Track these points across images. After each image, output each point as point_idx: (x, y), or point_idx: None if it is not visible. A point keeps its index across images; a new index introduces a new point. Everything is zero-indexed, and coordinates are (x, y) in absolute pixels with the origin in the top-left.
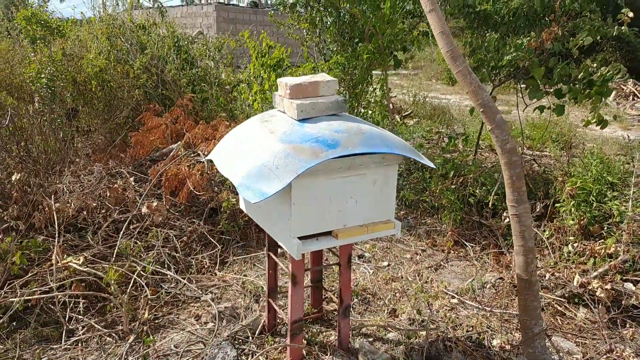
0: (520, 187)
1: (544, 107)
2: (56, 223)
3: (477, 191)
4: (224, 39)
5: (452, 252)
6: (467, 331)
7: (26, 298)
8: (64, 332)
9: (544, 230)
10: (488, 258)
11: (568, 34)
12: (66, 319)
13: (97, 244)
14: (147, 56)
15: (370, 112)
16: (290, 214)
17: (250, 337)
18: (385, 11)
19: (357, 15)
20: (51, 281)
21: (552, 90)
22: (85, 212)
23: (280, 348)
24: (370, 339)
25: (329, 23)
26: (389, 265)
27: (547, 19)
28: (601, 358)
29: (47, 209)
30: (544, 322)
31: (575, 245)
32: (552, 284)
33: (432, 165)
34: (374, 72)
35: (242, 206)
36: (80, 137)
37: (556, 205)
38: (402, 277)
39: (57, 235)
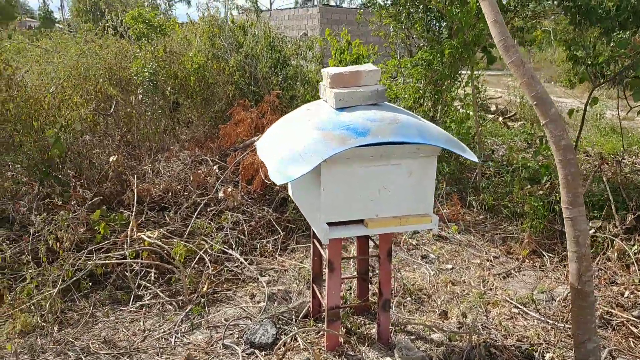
0: (576, 188)
1: None
2: (135, 201)
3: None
4: (315, 38)
5: (527, 261)
6: (518, 341)
7: (104, 262)
8: (132, 297)
9: (633, 245)
10: (565, 270)
11: None
12: (136, 286)
13: (175, 222)
14: (241, 55)
15: (453, 109)
16: (320, 200)
17: (294, 320)
18: (471, 5)
19: (442, 10)
20: (126, 250)
21: None
22: (170, 194)
23: (318, 333)
24: (413, 337)
25: (415, 19)
26: (453, 268)
27: None
28: None
29: (134, 188)
30: (599, 339)
31: None
32: (630, 303)
33: (475, 159)
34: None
35: (290, 192)
36: (181, 128)
37: None
38: (464, 282)
39: (134, 211)
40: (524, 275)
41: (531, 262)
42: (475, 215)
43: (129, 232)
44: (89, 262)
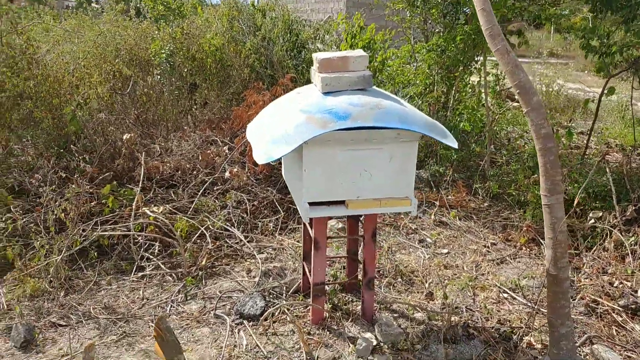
0: (554, 176)
1: None
2: (143, 177)
3: (569, 188)
4: (333, 22)
5: (524, 248)
6: (499, 323)
7: (108, 233)
8: (135, 267)
9: (632, 236)
10: None
11: None
12: (139, 258)
13: (182, 199)
14: (258, 37)
15: (466, 96)
16: (302, 180)
17: (284, 294)
18: None
19: None
20: (131, 223)
21: None
22: (179, 172)
23: (305, 307)
24: (396, 315)
25: (432, 3)
26: (448, 253)
27: None
28: None
29: (143, 165)
30: (573, 324)
31: None
32: (617, 293)
33: (455, 145)
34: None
35: (283, 174)
36: (200, 109)
37: None
38: (457, 266)
39: (140, 186)
40: (519, 262)
41: (528, 249)
42: (480, 202)
43: (134, 206)
44: (94, 233)
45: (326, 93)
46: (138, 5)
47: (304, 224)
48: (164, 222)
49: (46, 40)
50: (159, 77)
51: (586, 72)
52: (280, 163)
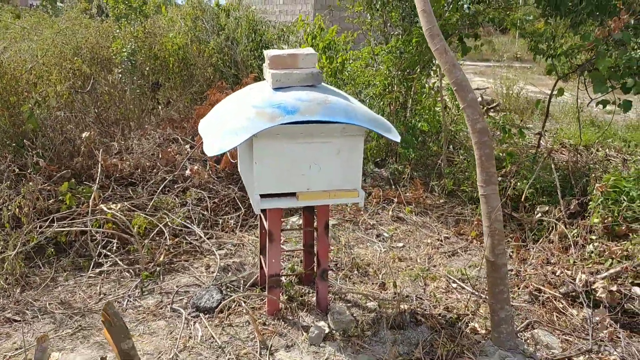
0: (489, 168)
1: (607, 102)
2: (100, 173)
3: (519, 184)
4: (296, 24)
5: (475, 241)
6: (447, 311)
7: (63, 230)
8: (92, 264)
9: (575, 228)
10: (510, 250)
11: None
12: (97, 254)
13: (141, 197)
14: (222, 37)
15: (424, 97)
16: (253, 173)
17: (241, 288)
18: None
19: None
20: (89, 220)
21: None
22: (139, 170)
23: (262, 299)
24: (350, 305)
25: (391, 7)
26: (403, 246)
27: (616, 4)
28: (579, 357)
29: (102, 163)
30: (512, 309)
31: (596, 245)
32: (559, 282)
33: (397, 139)
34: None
35: (239, 167)
36: (163, 108)
37: (590, 205)
38: (410, 259)
39: (97, 182)
40: (470, 254)
41: (479, 243)
42: (435, 199)
43: (91, 203)
44: (50, 230)
45: (276, 89)
46: (100, 4)
47: (260, 219)
48: (122, 219)
49: (3, 37)
50: (120, 75)
51: (547, 76)
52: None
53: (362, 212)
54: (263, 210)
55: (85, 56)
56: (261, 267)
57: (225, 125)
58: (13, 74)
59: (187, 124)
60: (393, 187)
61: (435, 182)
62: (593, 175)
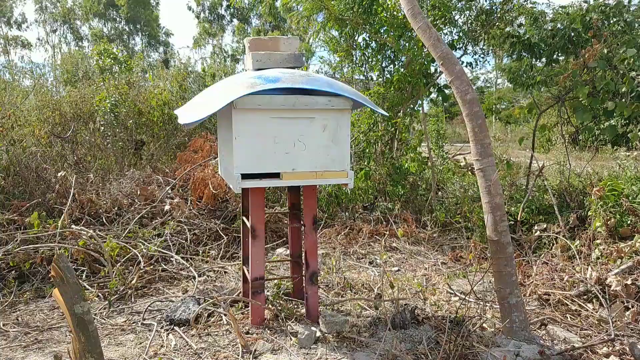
0: (483, 140)
1: (593, 129)
2: (70, 199)
3: (512, 209)
4: None
5: (473, 264)
6: (450, 314)
7: (32, 253)
8: None
9: (577, 240)
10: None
11: (614, 51)
12: None
13: (117, 229)
14: None
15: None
16: (233, 150)
17: (223, 303)
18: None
19: (390, 43)
20: (57, 244)
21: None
22: (116, 208)
23: (245, 306)
24: (343, 314)
25: (372, 60)
26: (398, 270)
27: (587, 37)
28: (600, 346)
29: (76, 196)
30: (521, 295)
31: (602, 248)
32: (568, 285)
33: (384, 113)
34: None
35: (219, 171)
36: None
37: (589, 214)
38: (407, 280)
39: (68, 205)
40: (470, 276)
41: (479, 266)
42: (430, 233)
43: (59, 224)
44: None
45: (258, 70)
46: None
47: (243, 222)
48: (94, 241)
49: None
50: (102, 128)
51: (527, 149)
52: (228, 197)
53: (352, 243)
54: (244, 213)
55: (67, 113)
56: (244, 281)
57: (203, 98)
58: None
59: (168, 169)
60: (384, 223)
61: (427, 216)
62: (589, 182)
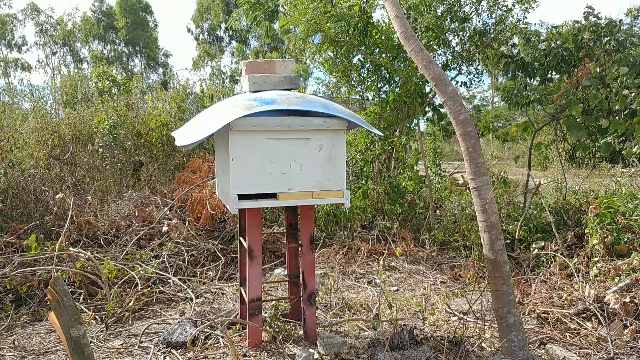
0: (477, 159)
1: (589, 146)
2: (68, 222)
3: (510, 227)
4: None
5: (472, 283)
6: (449, 334)
7: (29, 276)
8: None
9: (575, 257)
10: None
11: (607, 70)
12: None
13: (114, 251)
14: None
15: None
16: (229, 171)
17: (220, 325)
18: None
19: (385, 64)
20: (55, 266)
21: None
22: (114, 230)
23: (242, 328)
24: (342, 335)
25: (367, 82)
26: (397, 290)
27: (579, 56)
28: None
29: (74, 218)
30: (519, 313)
31: (600, 265)
32: (567, 303)
33: (379, 133)
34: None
35: (217, 192)
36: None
37: (587, 231)
38: (406, 299)
39: (66, 229)
40: (469, 295)
41: (477, 285)
42: (428, 252)
43: (57, 246)
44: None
45: (254, 92)
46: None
47: (240, 243)
48: (91, 263)
49: None
50: (101, 149)
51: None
52: (226, 217)
53: (351, 262)
54: (242, 234)
55: (66, 135)
56: (242, 302)
57: (200, 121)
58: None
59: (167, 189)
60: (382, 242)
61: (425, 235)
62: (585, 200)
